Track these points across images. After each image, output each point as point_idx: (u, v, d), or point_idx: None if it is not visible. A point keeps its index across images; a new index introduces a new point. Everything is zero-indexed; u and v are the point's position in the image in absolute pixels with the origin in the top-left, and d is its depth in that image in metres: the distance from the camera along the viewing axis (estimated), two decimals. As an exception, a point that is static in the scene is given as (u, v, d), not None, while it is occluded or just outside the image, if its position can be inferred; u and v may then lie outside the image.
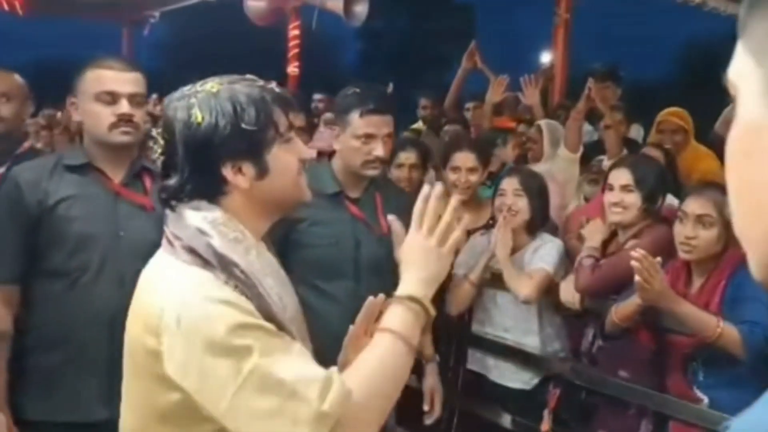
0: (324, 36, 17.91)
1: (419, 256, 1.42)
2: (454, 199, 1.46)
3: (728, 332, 2.35)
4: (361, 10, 7.29)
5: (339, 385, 1.27)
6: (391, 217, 1.72)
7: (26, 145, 3.02)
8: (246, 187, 1.39)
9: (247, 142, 1.38)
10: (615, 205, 2.84)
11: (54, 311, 2.24)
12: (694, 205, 2.51)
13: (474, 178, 3.42)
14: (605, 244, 2.95)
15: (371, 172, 2.54)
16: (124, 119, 2.26)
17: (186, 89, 1.43)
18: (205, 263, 1.33)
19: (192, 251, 1.35)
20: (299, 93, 7.69)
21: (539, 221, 3.15)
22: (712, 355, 2.48)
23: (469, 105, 5.66)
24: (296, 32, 8.61)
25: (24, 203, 2.24)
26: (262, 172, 1.40)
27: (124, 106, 2.26)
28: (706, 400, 2.52)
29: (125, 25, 10.78)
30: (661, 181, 2.89)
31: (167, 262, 1.39)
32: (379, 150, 2.49)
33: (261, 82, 1.45)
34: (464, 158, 3.42)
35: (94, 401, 2.21)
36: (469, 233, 3.34)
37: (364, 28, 8.70)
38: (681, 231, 2.53)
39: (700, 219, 2.48)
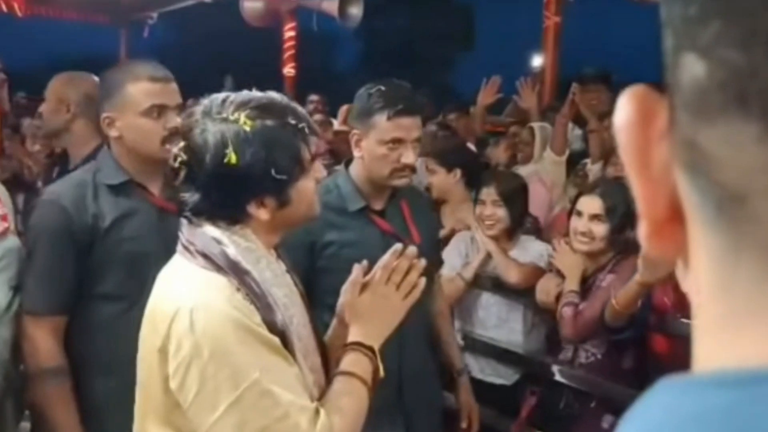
0: (322, 36, 17.96)
1: (381, 308, 1.56)
2: (421, 264, 1.60)
3: None
4: (356, 12, 7.33)
5: (325, 417, 1.35)
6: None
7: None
8: (266, 219, 1.44)
9: (274, 184, 1.42)
10: (582, 234, 2.76)
11: (107, 336, 2.12)
12: None
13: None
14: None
15: (400, 182, 2.27)
16: (176, 132, 2.11)
17: (214, 110, 1.42)
18: (219, 269, 1.38)
19: (206, 257, 1.39)
20: (295, 94, 7.74)
21: (519, 226, 3.18)
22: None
23: (452, 116, 5.35)
24: (292, 33, 8.66)
25: (74, 229, 2.10)
26: (284, 204, 1.45)
27: (175, 120, 2.12)
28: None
29: (123, 26, 10.84)
30: (632, 211, 2.78)
31: (184, 266, 1.43)
32: (409, 157, 2.22)
33: (290, 117, 1.45)
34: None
35: None
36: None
37: (362, 28, 8.75)
38: None
39: None
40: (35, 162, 6.17)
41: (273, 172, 1.39)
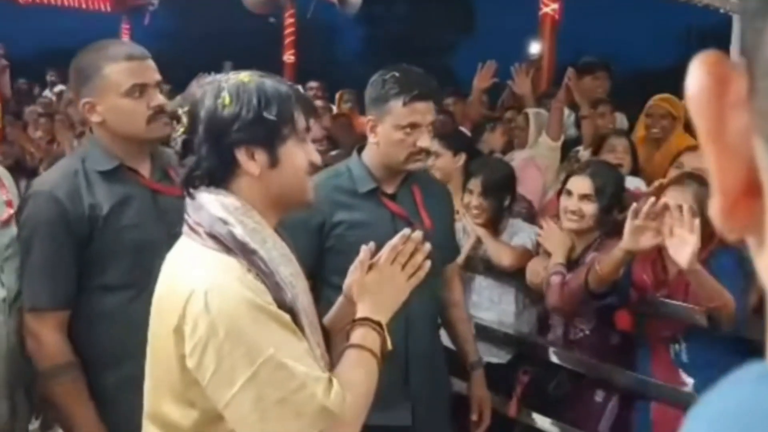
0: (321, 23, 17.96)
1: (387, 287, 1.61)
2: (426, 247, 1.64)
3: (731, 302, 2.36)
4: (356, -1, 7.38)
5: (338, 387, 1.40)
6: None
7: None
8: (255, 174, 1.46)
9: (264, 131, 1.44)
10: (572, 213, 2.82)
11: (114, 326, 2.06)
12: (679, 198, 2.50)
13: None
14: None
15: (416, 166, 2.29)
16: (160, 111, 2.09)
17: (218, 76, 1.50)
18: (228, 250, 1.42)
19: (215, 238, 1.43)
20: (295, 81, 7.78)
21: (505, 215, 3.23)
22: (693, 336, 2.54)
23: (449, 101, 5.31)
24: (292, 20, 8.71)
25: (69, 219, 2.03)
26: (273, 162, 1.46)
27: (157, 97, 2.09)
28: (692, 382, 2.57)
29: (124, 13, 10.89)
30: (619, 192, 2.86)
31: (192, 247, 1.46)
32: (424, 140, 2.24)
33: (289, 83, 1.53)
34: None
35: None
36: None
37: (362, 14, 8.79)
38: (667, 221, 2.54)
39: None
40: (37, 148, 6.25)
41: (264, 113, 1.43)
